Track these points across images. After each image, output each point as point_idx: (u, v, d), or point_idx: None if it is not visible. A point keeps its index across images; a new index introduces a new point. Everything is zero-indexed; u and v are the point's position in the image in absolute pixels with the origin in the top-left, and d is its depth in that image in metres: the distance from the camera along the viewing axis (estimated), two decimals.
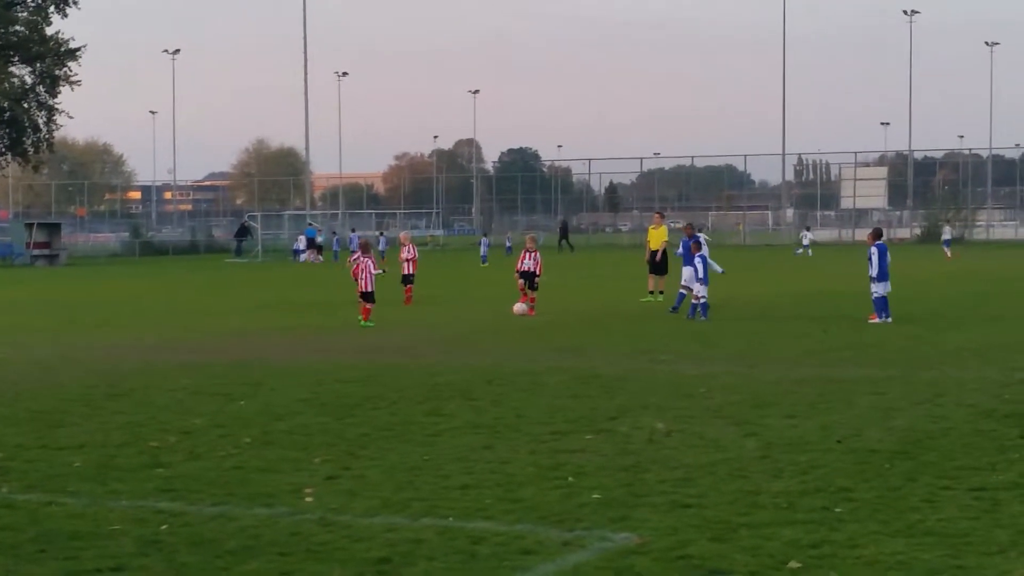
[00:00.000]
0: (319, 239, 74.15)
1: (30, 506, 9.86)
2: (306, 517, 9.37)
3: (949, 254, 61.95)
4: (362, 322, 25.87)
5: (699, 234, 29.32)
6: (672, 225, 45.36)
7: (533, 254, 28.50)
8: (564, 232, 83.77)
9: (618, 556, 8.29)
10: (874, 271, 24.68)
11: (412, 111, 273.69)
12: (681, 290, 27.82)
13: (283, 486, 10.42)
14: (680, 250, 28.30)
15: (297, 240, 76.01)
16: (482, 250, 66.06)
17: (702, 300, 26.01)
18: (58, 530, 9.10)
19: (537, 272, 28.35)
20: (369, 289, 26.44)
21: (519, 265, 28.45)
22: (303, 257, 71.56)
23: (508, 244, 79.28)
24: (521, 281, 28.28)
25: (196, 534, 8.94)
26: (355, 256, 28.56)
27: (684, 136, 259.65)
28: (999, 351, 19.57)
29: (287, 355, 20.43)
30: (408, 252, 32.47)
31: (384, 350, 21.05)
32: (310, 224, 79.20)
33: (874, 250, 24.93)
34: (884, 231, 27.26)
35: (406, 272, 32.12)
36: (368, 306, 26.27)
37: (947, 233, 69.97)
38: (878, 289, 24.61)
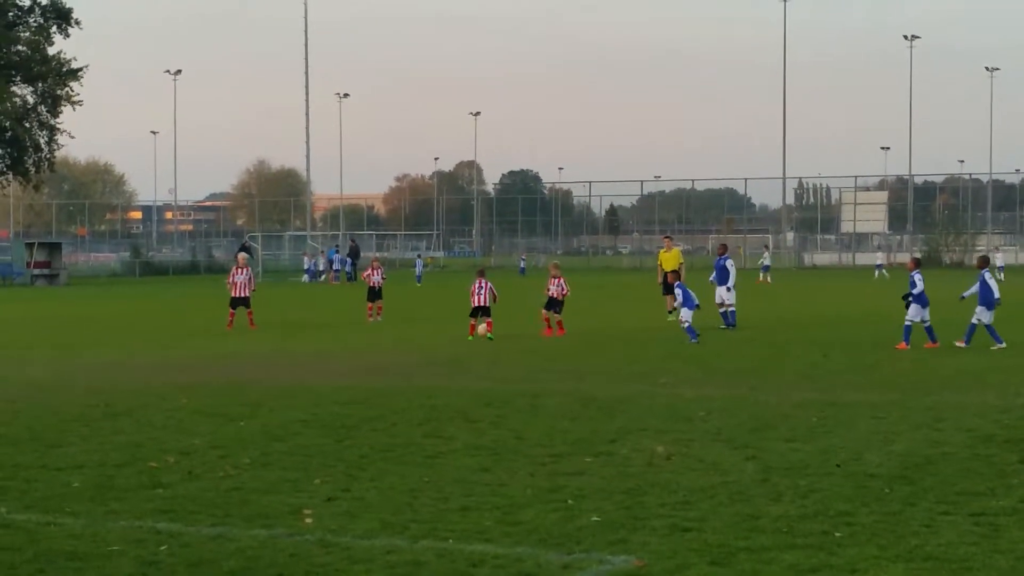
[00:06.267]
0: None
1: (29, 526, 9.85)
2: (305, 539, 9.36)
3: (764, 278, 63.11)
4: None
5: (727, 255, 31.21)
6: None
7: (558, 280, 28.85)
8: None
9: None
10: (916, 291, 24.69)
11: (413, 133, 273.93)
12: (720, 309, 29.85)
13: (282, 507, 10.41)
14: (714, 275, 30.55)
15: (312, 261, 75.63)
16: (417, 270, 66.83)
17: (686, 323, 26.30)
18: (57, 550, 9.08)
19: (564, 294, 28.72)
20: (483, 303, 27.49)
21: (547, 291, 28.86)
22: (323, 278, 71.22)
23: (522, 265, 79.96)
24: (545, 312, 28.71)
25: (195, 555, 8.93)
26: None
27: (684, 159, 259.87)
28: (998, 376, 19.56)
29: (286, 376, 20.42)
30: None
31: (383, 372, 21.04)
32: (335, 246, 79.31)
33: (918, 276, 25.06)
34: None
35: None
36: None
37: (767, 259, 69.80)
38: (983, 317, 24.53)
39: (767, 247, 78.44)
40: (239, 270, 32.08)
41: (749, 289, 51.92)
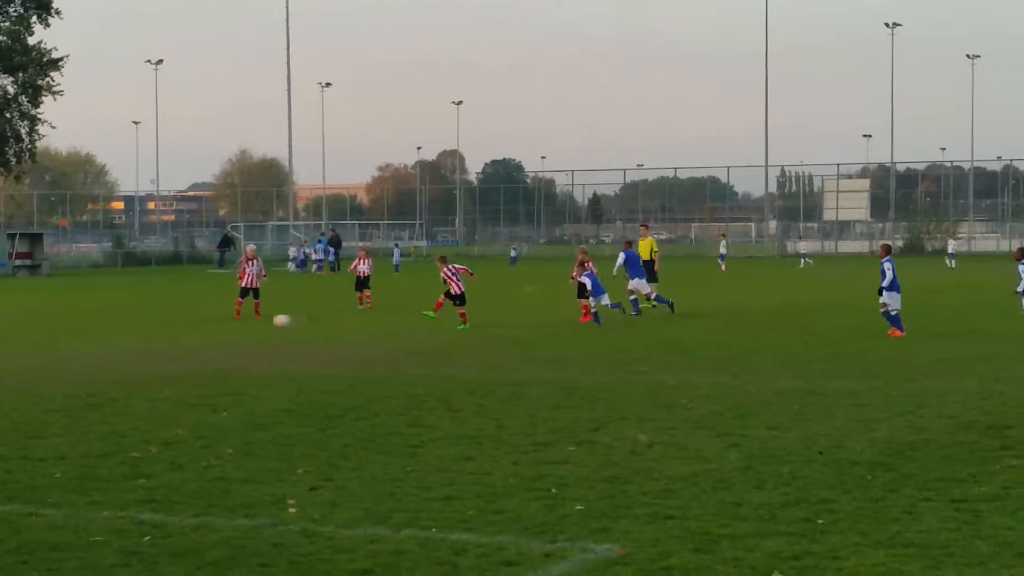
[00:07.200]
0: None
1: (11, 517, 9.83)
2: (288, 528, 9.36)
3: (721, 267, 64.67)
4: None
5: (631, 248, 32.74)
6: (657, 237, 46.56)
7: (588, 264, 29.25)
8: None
9: (600, 567, 8.30)
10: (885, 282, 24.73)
11: (395, 122, 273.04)
12: (631, 297, 31.03)
13: (265, 497, 10.41)
14: (621, 262, 31.82)
15: (300, 250, 75.50)
16: (394, 259, 67.20)
17: (594, 310, 27.76)
18: (39, 541, 9.07)
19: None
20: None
21: (579, 277, 29.22)
22: (313, 268, 70.98)
23: (513, 255, 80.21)
24: (582, 300, 29.10)
25: (178, 545, 8.92)
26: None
27: (667, 148, 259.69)
28: (979, 363, 19.64)
29: (269, 365, 20.40)
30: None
31: (366, 361, 21.04)
32: (321, 235, 79.41)
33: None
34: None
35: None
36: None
37: (723, 248, 69.18)
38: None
39: (723, 235, 78.61)
40: (249, 262, 32.59)
41: (726, 278, 52.03)
